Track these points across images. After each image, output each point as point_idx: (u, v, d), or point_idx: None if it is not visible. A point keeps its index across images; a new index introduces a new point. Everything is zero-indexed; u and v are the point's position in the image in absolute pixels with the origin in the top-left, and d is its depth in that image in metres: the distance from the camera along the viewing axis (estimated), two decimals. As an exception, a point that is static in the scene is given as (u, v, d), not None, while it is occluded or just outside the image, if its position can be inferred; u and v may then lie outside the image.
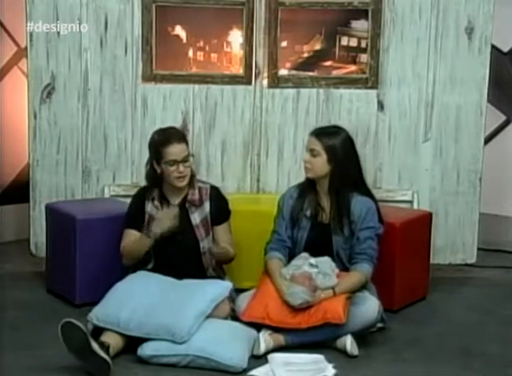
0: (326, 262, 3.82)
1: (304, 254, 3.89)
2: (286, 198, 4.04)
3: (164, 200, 4.04)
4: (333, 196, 3.92)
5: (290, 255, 3.97)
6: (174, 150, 3.92)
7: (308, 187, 4.01)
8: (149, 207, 4.05)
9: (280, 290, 3.78)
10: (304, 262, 3.82)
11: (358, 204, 3.92)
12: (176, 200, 4.05)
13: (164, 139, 3.97)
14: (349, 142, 3.95)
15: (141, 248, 3.95)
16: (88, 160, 4.92)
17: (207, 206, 4.04)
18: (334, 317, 3.66)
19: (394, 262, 4.25)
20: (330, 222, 3.94)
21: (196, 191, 4.05)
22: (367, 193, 3.99)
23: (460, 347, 3.86)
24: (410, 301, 4.43)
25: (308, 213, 3.97)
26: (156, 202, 4.04)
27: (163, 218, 3.90)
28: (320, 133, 3.95)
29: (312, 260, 3.82)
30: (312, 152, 3.91)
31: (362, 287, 3.91)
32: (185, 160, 3.94)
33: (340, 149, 3.89)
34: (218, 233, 4.06)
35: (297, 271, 3.78)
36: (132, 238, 4.00)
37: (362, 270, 3.86)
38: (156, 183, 4.05)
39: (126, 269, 4.03)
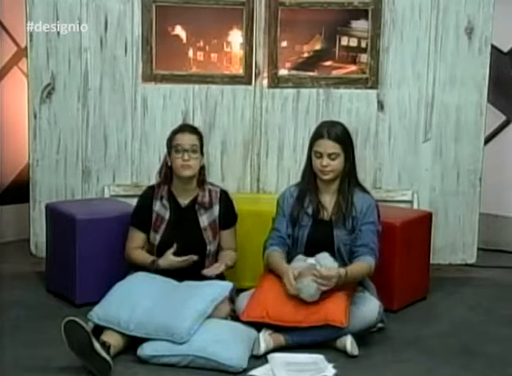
0: (324, 257, 3.81)
1: (301, 256, 3.89)
2: (287, 197, 4.03)
3: (173, 200, 4.06)
4: (341, 192, 3.93)
5: (289, 255, 3.96)
6: (184, 137, 4.03)
7: (308, 186, 4.00)
8: (157, 206, 4.07)
9: (286, 277, 3.73)
10: (304, 263, 3.81)
11: (360, 199, 3.94)
12: (185, 201, 4.07)
13: (178, 127, 4.17)
14: (350, 136, 4.00)
15: (145, 264, 3.99)
16: (88, 160, 4.91)
17: (216, 209, 4.07)
18: (335, 321, 3.66)
19: (394, 262, 4.25)
20: (332, 217, 3.94)
21: (207, 193, 4.08)
22: (364, 189, 4.02)
23: (460, 347, 3.86)
24: (410, 301, 4.43)
25: (310, 211, 3.96)
26: (164, 201, 4.06)
27: (175, 262, 3.90)
28: (334, 135, 3.89)
29: (311, 259, 3.81)
30: (331, 156, 3.88)
31: (363, 286, 3.92)
32: (192, 150, 4.00)
33: (350, 146, 3.95)
34: (224, 237, 4.10)
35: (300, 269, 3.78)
36: (140, 254, 4.04)
37: (367, 262, 3.85)
38: (166, 179, 4.07)
39: (127, 269, 4.04)
